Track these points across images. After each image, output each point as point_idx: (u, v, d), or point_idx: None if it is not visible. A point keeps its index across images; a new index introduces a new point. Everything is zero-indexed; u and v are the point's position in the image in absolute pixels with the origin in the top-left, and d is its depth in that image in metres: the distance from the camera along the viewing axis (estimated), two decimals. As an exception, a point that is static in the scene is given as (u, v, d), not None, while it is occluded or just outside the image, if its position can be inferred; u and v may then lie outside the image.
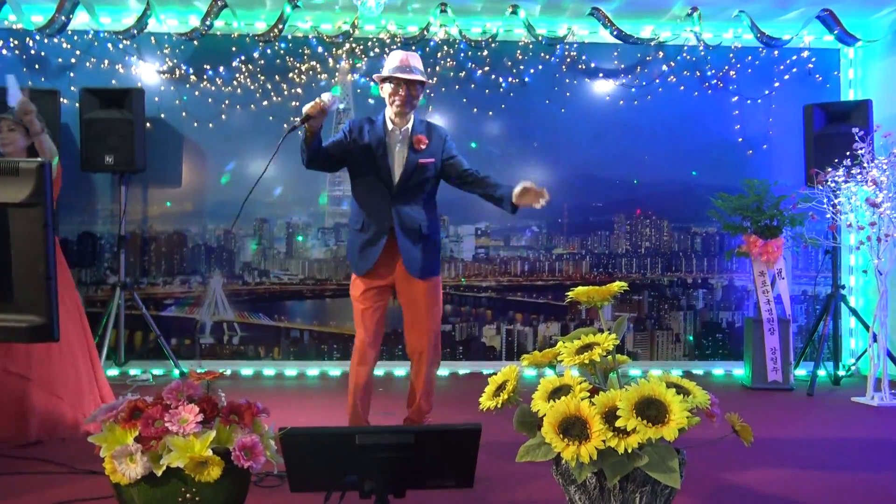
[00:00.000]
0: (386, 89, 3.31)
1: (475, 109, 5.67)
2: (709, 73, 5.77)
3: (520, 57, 5.69)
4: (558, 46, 5.68)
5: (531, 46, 5.67)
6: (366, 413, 3.42)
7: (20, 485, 2.85)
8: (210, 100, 5.56)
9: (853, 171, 4.51)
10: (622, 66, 5.76)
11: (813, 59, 5.77)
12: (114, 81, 5.43)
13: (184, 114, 5.54)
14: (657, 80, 5.76)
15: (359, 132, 3.31)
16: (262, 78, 5.57)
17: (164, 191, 5.57)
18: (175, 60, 5.53)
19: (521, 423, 2.05)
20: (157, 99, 5.48)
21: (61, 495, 2.69)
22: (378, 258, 3.29)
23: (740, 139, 5.78)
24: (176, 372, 5.30)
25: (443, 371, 5.57)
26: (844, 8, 5.25)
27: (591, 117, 5.75)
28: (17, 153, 3.55)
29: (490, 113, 5.67)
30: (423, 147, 3.30)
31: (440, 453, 2.09)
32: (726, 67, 5.76)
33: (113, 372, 5.20)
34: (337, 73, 5.59)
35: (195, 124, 5.55)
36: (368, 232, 3.31)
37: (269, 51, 5.56)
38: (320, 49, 5.59)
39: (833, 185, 4.63)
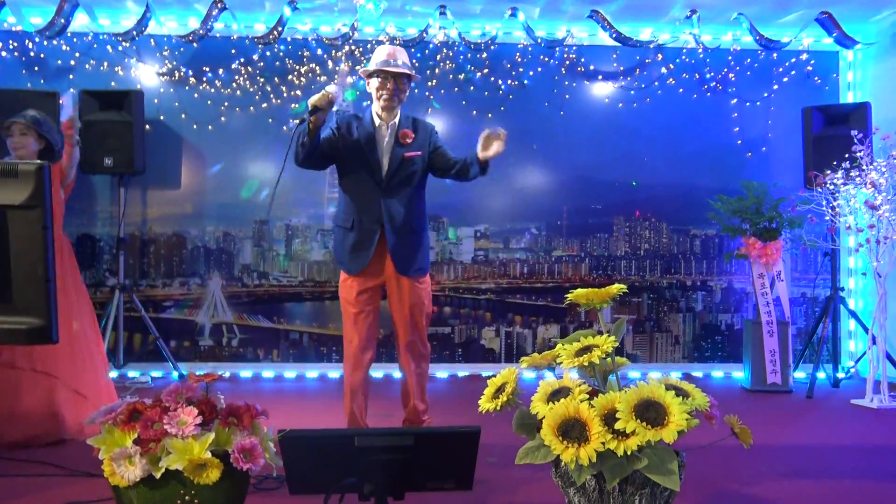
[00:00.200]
0: (373, 84, 3.32)
1: (474, 112, 5.67)
2: (708, 76, 5.77)
3: (519, 59, 5.70)
4: (557, 49, 5.68)
5: (530, 49, 5.68)
6: (364, 416, 3.42)
7: (19, 487, 2.85)
8: (209, 102, 5.56)
9: (852, 174, 4.52)
10: (621, 68, 5.76)
11: (812, 62, 5.78)
12: (113, 83, 5.43)
13: (183, 116, 5.54)
14: (656, 83, 5.77)
15: (347, 128, 3.31)
16: (262, 80, 5.58)
17: (164, 193, 5.57)
18: (174, 62, 5.53)
19: (521, 425, 2.05)
20: (156, 101, 5.48)
21: (60, 497, 2.69)
22: (370, 259, 3.29)
23: (739, 141, 5.79)
24: (175, 374, 5.30)
25: (442, 373, 5.57)
26: (843, 11, 5.25)
27: (590, 120, 5.76)
28: (29, 156, 3.62)
29: (489, 115, 5.67)
30: (409, 141, 3.32)
31: (439, 455, 2.09)
32: (725, 70, 5.76)
33: (112, 374, 5.19)
34: (336, 76, 5.59)
35: (194, 126, 5.55)
36: (358, 230, 3.30)
37: (268, 53, 5.57)
38: (320, 51, 5.60)
39: (832, 187, 4.63)
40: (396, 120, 3.35)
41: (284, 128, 5.57)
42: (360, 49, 5.59)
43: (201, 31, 5.25)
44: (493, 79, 5.69)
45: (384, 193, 3.29)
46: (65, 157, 3.83)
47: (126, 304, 5.32)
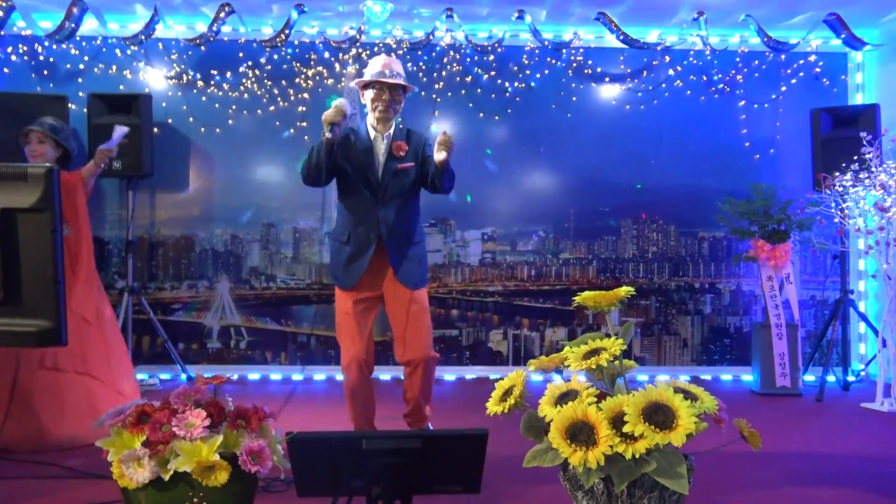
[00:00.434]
0: (368, 95, 3.31)
1: (481, 114, 5.67)
2: (715, 78, 5.75)
3: (526, 62, 5.70)
4: (564, 51, 5.68)
5: (537, 51, 5.68)
6: (371, 420, 3.41)
7: (29, 489, 2.86)
8: (217, 105, 5.58)
9: (861, 176, 4.49)
10: (628, 70, 5.75)
11: (820, 64, 5.75)
12: (122, 87, 5.46)
13: (191, 119, 5.56)
14: (663, 85, 5.75)
15: (345, 143, 3.30)
16: (269, 83, 5.60)
17: (172, 196, 5.59)
18: (182, 66, 5.55)
19: (528, 428, 2.05)
20: (164, 104, 5.51)
21: (70, 500, 2.70)
22: (364, 272, 3.26)
23: (747, 143, 5.77)
24: (183, 376, 5.31)
25: (449, 376, 5.57)
26: (851, 12, 5.23)
27: (598, 122, 5.75)
28: None
29: (496, 118, 5.67)
30: (402, 154, 3.31)
31: (447, 458, 2.09)
32: (733, 72, 5.74)
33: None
34: (343, 79, 5.61)
35: (202, 129, 5.58)
36: (354, 244, 3.28)
37: (275, 56, 5.59)
38: (327, 54, 5.61)
39: (841, 189, 4.61)
40: (391, 131, 3.34)
41: (291, 130, 5.59)
42: (368, 52, 5.60)
43: (209, 35, 5.27)
44: (499, 81, 5.69)
45: (381, 205, 3.27)
46: (86, 172, 4.00)
47: (135, 306, 5.34)
